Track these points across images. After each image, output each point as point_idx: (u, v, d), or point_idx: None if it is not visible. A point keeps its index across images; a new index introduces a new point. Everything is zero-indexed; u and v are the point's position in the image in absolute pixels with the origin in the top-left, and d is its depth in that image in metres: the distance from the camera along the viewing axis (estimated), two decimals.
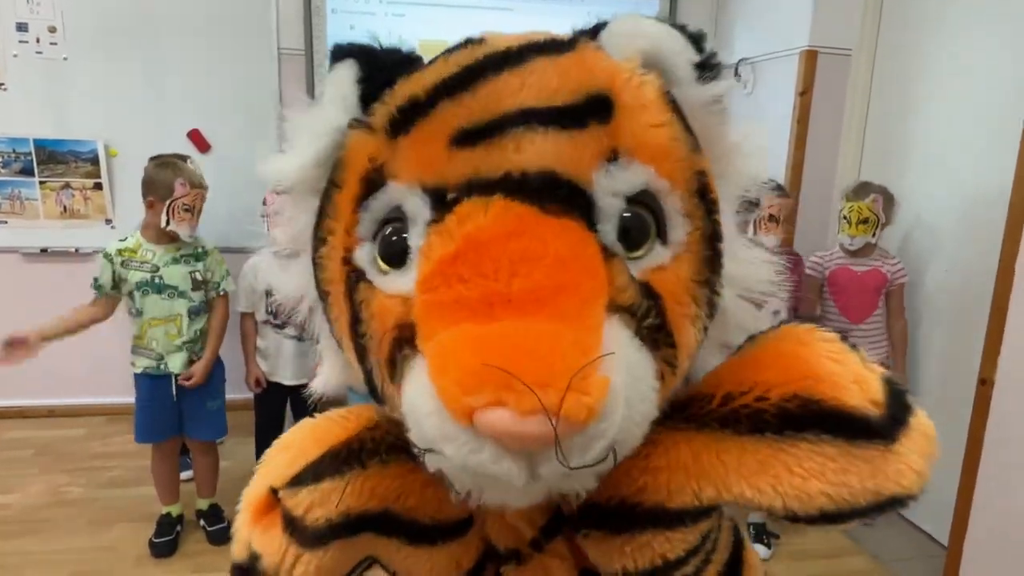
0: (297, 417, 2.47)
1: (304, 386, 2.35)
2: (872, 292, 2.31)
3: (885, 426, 0.46)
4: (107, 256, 2.03)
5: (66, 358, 3.17)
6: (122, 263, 2.02)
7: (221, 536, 2.24)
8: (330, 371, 0.59)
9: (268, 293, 2.27)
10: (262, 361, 2.33)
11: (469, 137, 0.43)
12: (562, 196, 0.42)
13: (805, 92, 2.72)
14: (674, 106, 0.48)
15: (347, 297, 0.48)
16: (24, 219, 3.05)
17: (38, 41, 2.92)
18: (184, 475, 2.40)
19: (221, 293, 2.20)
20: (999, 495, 1.88)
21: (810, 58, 2.70)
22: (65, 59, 2.95)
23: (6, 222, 3.04)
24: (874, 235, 2.23)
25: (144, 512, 2.37)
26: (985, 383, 1.91)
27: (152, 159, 2.34)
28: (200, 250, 2.15)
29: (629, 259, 0.44)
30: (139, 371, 2.09)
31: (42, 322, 1.96)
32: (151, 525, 2.24)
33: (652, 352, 0.43)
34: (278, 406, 2.41)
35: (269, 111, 3.16)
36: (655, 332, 0.44)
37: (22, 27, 2.90)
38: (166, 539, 2.18)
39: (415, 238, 0.44)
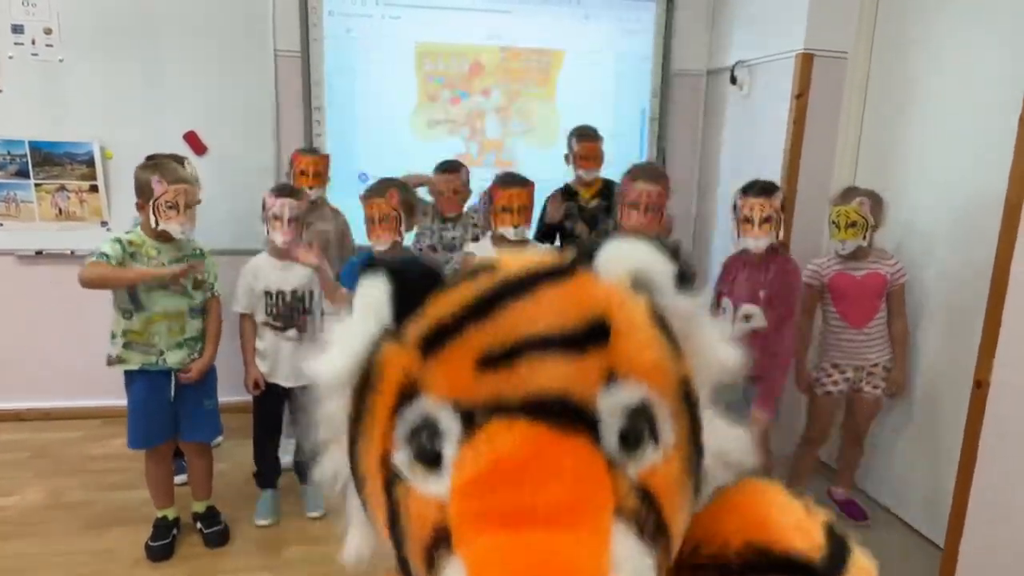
0: (295, 419, 2.47)
1: (303, 388, 2.35)
2: (873, 296, 2.31)
3: (827, 568, 0.55)
4: (118, 240, 2.01)
5: (63, 360, 3.18)
6: (131, 254, 2.01)
7: (218, 538, 2.24)
8: (361, 542, 0.64)
9: (267, 294, 2.27)
10: (260, 362, 2.33)
11: (492, 361, 0.50)
12: (573, 416, 0.49)
13: (801, 95, 2.73)
14: (660, 319, 0.55)
15: (385, 494, 0.55)
16: (19, 221, 3.04)
17: (34, 43, 2.92)
18: (178, 479, 2.39)
19: (215, 294, 2.22)
20: (995, 497, 1.89)
21: (806, 61, 2.70)
22: (61, 61, 2.94)
23: (1, 224, 3.03)
24: (864, 238, 2.24)
25: (141, 515, 2.36)
26: (981, 385, 1.92)
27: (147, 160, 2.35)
28: (198, 251, 2.16)
29: (627, 462, 0.51)
30: (135, 368, 2.07)
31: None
32: (148, 528, 2.23)
33: (652, 548, 0.50)
34: (276, 408, 2.41)
35: (266, 113, 3.16)
36: (655, 531, 0.51)
37: (18, 29, 2.89)
38: (163, 542, 2.18)
39: (448, 448, 0.51)
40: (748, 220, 2.07)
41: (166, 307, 2.06)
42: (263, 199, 2.26)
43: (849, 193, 2.29)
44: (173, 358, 2.09)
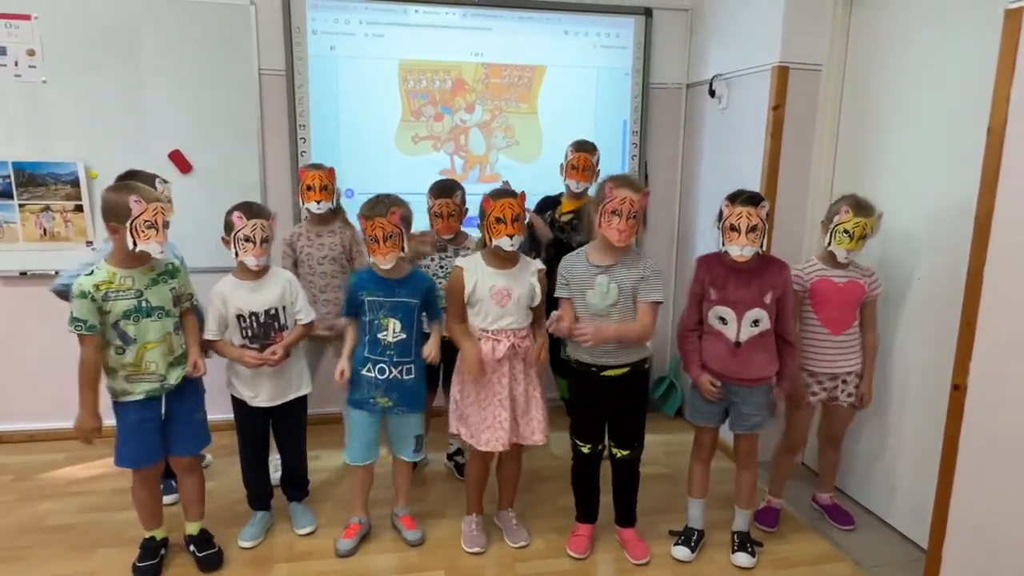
0: (280, 437, 2.44)
1: (283, 406, 2.33)
2: (852, 305, 2.34)
3: None
4: (84, 294, 1.91)
5: (46, 382, 3.15)
6: (103, 297, 1.95)
7: (212, 562, 2.20)
8: None
9: (240, 317, 2.24)
10: (242, 387, 2.29)
11: None
12: None
13: (778, 106, 2.78)
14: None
15: None
16: (3, 242, 3.03)
17: (16, 64, 2.92)
18: (168, 499, 2.37)
19: (193, 304, 2.20)
20: (976, 498, 1.92)
21: (782, 74, 2.76)
22: (44, 82, 2.95)
23: None
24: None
25: (126, 536, 2.34)
26: (958, 388, 1.95)
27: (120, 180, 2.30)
28: (172, 266, 2.12)
29: None
30: (140, 397, 2.03)
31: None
32: (134, 550, 2.21)
33: None
34: (261, 428, 2.38)
35: (251, 131, 3.18)
36: None
37: (0, 51, 2.90)
38: (150, 563, 2.16)
39: None
40: (735, 228, 2.07)
41: (154, 334, 2.03)
42: (228, 219, 2.18)
43: (869, 206, 2.27)
44: (175, 376, 2.08)
